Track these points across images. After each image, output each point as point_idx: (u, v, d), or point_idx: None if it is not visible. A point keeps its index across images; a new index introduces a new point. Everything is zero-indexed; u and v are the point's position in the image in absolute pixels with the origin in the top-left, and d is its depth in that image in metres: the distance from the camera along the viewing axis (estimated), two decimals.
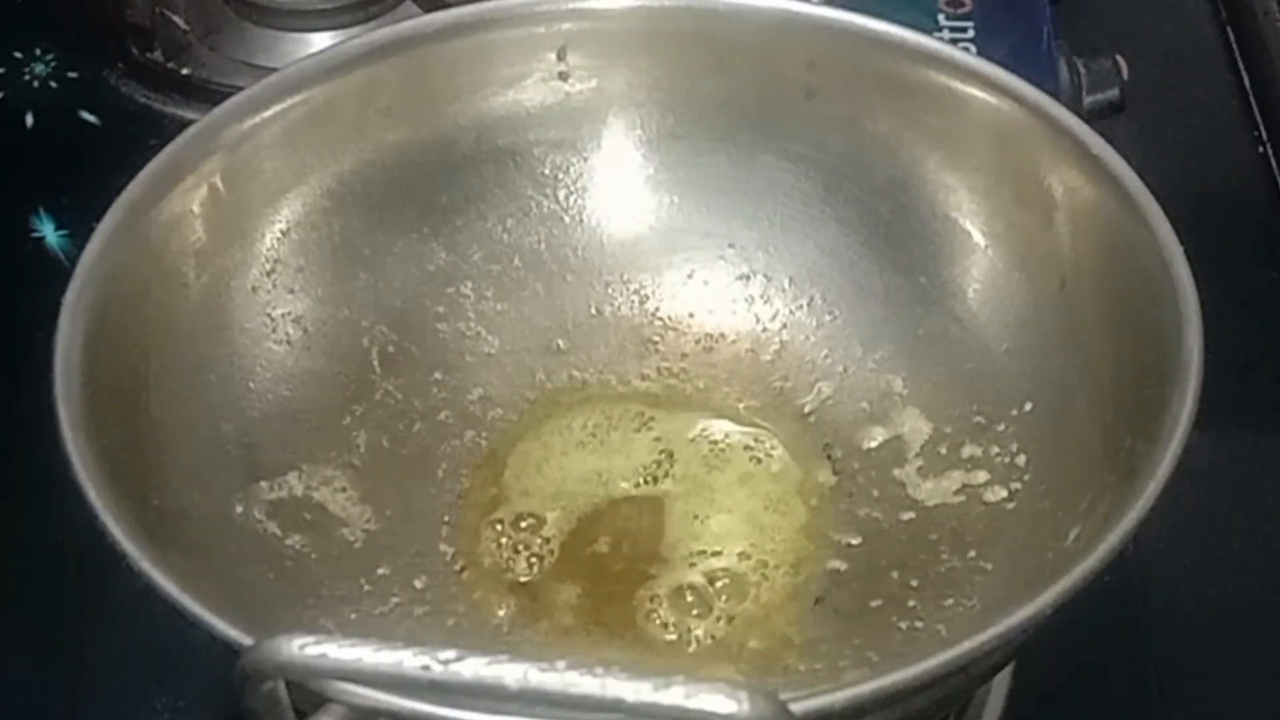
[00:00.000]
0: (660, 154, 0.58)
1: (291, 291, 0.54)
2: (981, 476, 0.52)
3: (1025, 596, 0.41)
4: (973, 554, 0.51)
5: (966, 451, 0.53)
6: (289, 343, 0.54)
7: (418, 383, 0.56)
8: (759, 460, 0.54)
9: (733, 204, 0.57)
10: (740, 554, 0.52)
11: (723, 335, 0.57)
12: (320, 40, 0.71)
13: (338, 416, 0.54)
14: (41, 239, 0.67)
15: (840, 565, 0.52)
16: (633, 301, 0.58)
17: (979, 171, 0.54)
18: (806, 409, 0.55)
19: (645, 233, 0.58)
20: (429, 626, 0.50)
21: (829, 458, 0.54)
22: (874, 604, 0.50)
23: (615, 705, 0.33)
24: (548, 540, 0.53)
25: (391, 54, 0.55)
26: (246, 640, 0.38)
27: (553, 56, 0.56)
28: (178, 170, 0.52)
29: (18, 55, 0.74)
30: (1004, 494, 0.51)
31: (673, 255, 0.58)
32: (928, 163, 0.55)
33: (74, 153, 0.70)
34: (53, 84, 0.73)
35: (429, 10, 0.58)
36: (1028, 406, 0.52)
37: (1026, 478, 0.51)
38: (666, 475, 0.54)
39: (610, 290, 0.58)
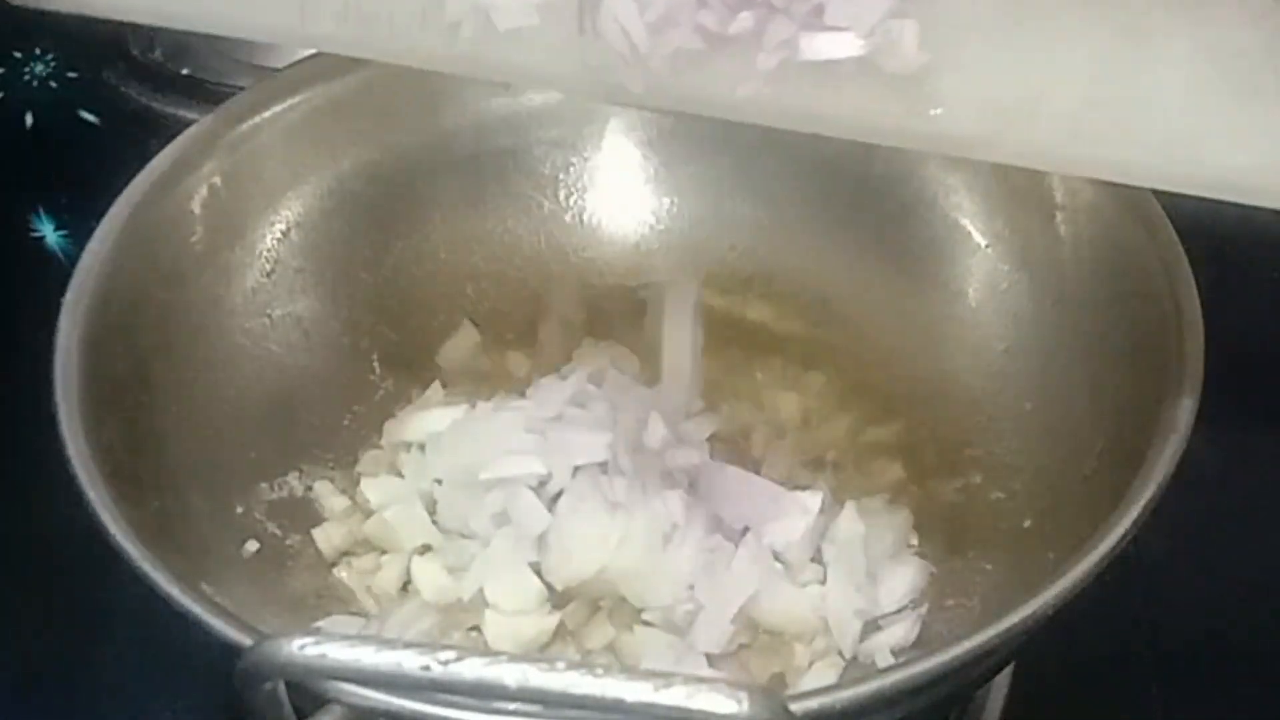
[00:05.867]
0: (660, 154, 0.58)
1: (291, 292, 0.54)
2: (981, 476, 0.52)
3: (1025, 596, 0.41)
4: (973, 554, 0.51)
5: (966, 451, 0.53)
6: (289, 343, 0.54)
7: (417, 383, 0.56)
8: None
9: (733, 204, 0.57)
10: None
11: (724, 336, 0.57)
12: None
13: (338, 417, 0.54)
14: (41, 239, 0.67)
15: None
16: (633, 301, 0.58)
17: (979, 171, 0.54)
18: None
19: (645, 233, 0.58)
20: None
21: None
22: None
23: (615, 705, 0.33)
24: None
25: None
26: (246, 641, 0.39)
27: None
28: (178, 170, 0.52)
29: (18, 55, 0.74)
30: (1003, 494, 0.51)
31: (673, 255, 0.58)
32: (928, 162, 0.55)
33: (74, 153, 0.70)
34: (53, 84, 0.73)
35: None
36: (1027, 406, 0.52)
37: (1026, 477, 0.51)
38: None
39: (610, 290, 0.58)
